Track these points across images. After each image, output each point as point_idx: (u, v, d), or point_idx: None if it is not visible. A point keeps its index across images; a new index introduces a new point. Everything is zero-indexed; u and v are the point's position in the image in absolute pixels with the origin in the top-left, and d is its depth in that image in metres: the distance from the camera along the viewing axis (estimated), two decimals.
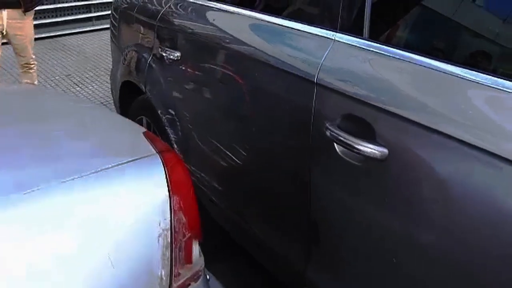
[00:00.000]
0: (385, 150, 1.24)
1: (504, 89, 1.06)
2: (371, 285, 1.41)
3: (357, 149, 1.29)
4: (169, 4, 2.31)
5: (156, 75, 2.39)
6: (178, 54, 2.15)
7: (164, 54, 2.22)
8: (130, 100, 2.77)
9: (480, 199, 1.09)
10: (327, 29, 1.48)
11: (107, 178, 1.10)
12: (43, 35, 6.81)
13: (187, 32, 2.13)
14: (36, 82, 4.43)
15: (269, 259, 1.91)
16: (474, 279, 1.13)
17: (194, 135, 2.19)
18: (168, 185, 1.14)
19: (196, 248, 1.21)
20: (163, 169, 1.16)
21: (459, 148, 1.10)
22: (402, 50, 1.28)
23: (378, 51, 1.33)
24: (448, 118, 1.13)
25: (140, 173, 1.16)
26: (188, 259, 1.18)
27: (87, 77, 5.30)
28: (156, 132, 2.50)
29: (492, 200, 1.07)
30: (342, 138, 1.33)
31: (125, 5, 2.81)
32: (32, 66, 4.31)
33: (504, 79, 1.07)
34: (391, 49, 1.31)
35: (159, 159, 1.19)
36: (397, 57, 1.28)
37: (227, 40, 1.89)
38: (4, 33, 4.02)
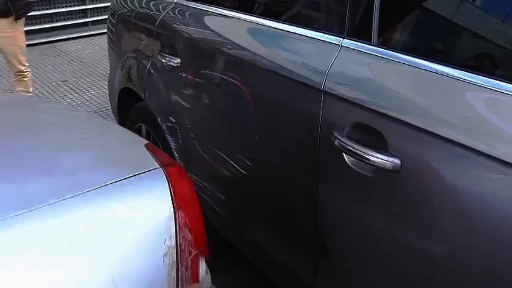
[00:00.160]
0: (398, 161, 1.19)
1: None
2: None
3: (368, 159, 1.24)
4: (168, 9, 2.26)
5: (156, 81, 2.34)
6: (178, 60, 2.10)
7: (163, 61, 2.18)
8: (128, 107, 2.72)
9: (498, 212, 1.04)
10: (333, 35, 1.44)
11: (109, 194, 1.06)
12: (39, 41, 6.76)
13: (188, 38, 2.08)
14: (31, 90, 4.37)
15: (276, 271, 1.86)
16: None
17: (195, 143, 2.14)
18: (172, 201, 1.09)
19: (202, 266, 1.16)
20: (167, 184, 1.12)
21: (475, 158, 1.06)
22: (413, 56, 1.23)
23: (387, 57, 1.29)
24: (464, 128, 1.09)
25: (143, 188, 1.11)
26: (195, 277, 1.13)
27: (84, 83, 5.24)
28: (156, 140, 2.45)
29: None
30: (351, 148, 1.29)
31: (123, 10, 2.77)
32: (26, 74, 4.24)
33: None
34: (401, 55, 1.26)
35: (163, 173, 1.14)
36: (408, 63, 1.23)
37: (230, 46, 1.84)
38: None
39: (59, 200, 1.00)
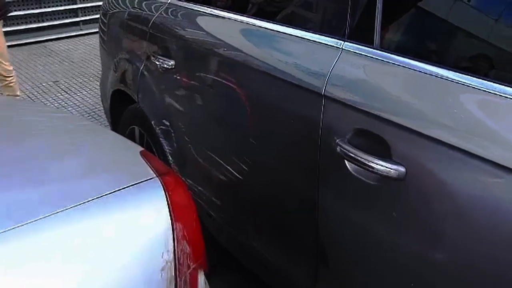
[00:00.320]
0: (402, 169, 1.15)
1: None
2: None
3: (371, 167, 1.20)
4: (161, 10, 2.22)
5: (149, 84, 2.29)
6: (172, 62, 2.05)
7: (157, 63, 2.13)
8: (121, 109, 2.67)
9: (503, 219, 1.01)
10: (334, 37, 1.39)
11: (103, 207, 1.01)
12: (29, 41, 6.68)
13: (182, 40, 2.03)
14: (18, 93, 4.29)
15: (272, 276, 1.82)
16: None
17: (190, 147, 2.09)
18: (170, 212, 1.05)
19: (201, 279, 1.12)
20: (164, 194, 1.07)
21: (484, 167, 1.02)
22: (417, 60, 1.19)
23: (390, 60, 1.25)
24: (473, 135, 1.05)
25: (138, 200, 1.06)
26: None
27: (75, 84, 5.18)
28: (149, 143, 2.40)
29: None
30: (353, 155, 1.25)
31: (115, 10, 2.71)
32: (10, 78, 4.12)
33: None
34: (404, 58, 1.22)
35: (159, 183, 1.09)
36: (411, 67, 1.19)
37: (226, 49, 1.79)
38: None
39: (51, 213, 0.95)
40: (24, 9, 6.70)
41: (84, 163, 1.20)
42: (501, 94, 1.02)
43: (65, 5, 7.19)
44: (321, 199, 1.41)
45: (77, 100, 4.74)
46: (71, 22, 7.21)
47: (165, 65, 2.08)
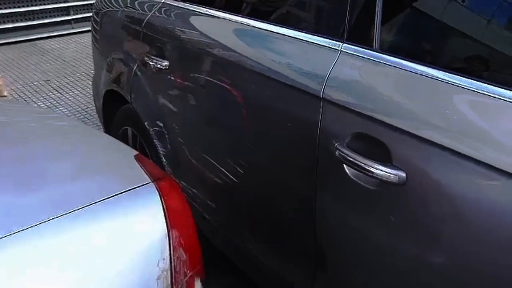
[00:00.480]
0: (403, 174, 1.13)
1: None
2: None
3: (371, 172, 1.18)
4: (155, 10, 2.18)
5: (143, 84, 2.26)
6: (166, 63, 2.02)
7: (151, 63, 2.09)
8: (114, 109, 2.64)
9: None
10: (332, 39, 1.37)
11: (96, 214, 0.98)
12: (19, 39, 6.61)
13: (177, 40, 2.00)
14: (5, 94, 4.22)
15: (268, 280, 1.80)
16: None
17: (184, 148, 2.06)
18: (166, 219, 1.02)
19: (198, 287, 1.09)
20: (159, 200, 1.04)
21: (485, 172, 1.00)
22: (417, 63, 1.17)
23: (390, 63, 1.22)
24: (473, 139, 1.03)
25: (134, 206, 1.03)
26: None
27: (67, 83, 5.12)
28: (142, 144, 2.37)
29: None
30: (352, 159, 1.22)
31: (108, 9, 2.68)
32: None
33: None
34: (405, 61, 1.19)
35: (155, 188, 1.06)
36: (412, 70, 1.17)
37: (221, 49, 1.76)
38: None
39: (44, 220, 0.92)
40: (14, 7, 6.63)
41: (77, 168, 1.17)
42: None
43: (56, 3, 7.12)
44: (319, 203, 1.39)
45: (69, 99, 4.70)
46: (62, 20, 7.15)
47: (159, 66, 2.04)
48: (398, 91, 1.21)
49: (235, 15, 1.78)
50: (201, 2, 1.97)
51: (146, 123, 2.25)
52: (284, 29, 1.53)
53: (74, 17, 7.22)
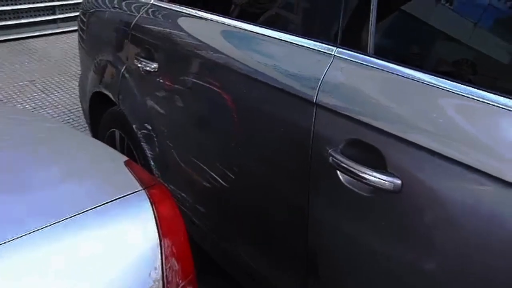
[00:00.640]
0: (398, 181, 1.11)
1: None
2: None
3: (365, 178, 1.16)
4: (143, 11, 2.15)
5: (131, 86, 2.22)
6: (155, 65, 1.99)
7: (139, 65, 2.06)
8: (101, 111, 2.60)
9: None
10: (326, 43, 1.35)
11: (86, 223, 0.95)
12: (4, 38, 6.51)
13: (166, 42, 1.97)
14: None
15: (258, 286, 1.78)
16: None
17: (173, 152, 2.04)
18: (157, 227, 0.99)
19: None
20: (150, 208, 1.02)
21: (478, 178, 0.99)
22: (412, 69, 1.16)
23: (385, 68, 1.21)
24: (471, 147, 1.02)
25: (124, 215, 1.01)
26: None
27: (52, 83, 5.06)
28: (130, 147, 2.34)
29: None
30: (346, 166, 1.21)
31: (95, 10, 2.64)
32: None
33: None
34: (400, 67, 1.18)
35: (146, 196, 1.04)
36: (407, 76, 1.16)
37: (212, 52, 1.74)
38: None
39: (32, 230, 0.89)
40: None
41: (64, 176, 1.13)
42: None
43: (41, 2, 7.03)
44: (312, 209, 1.37)
45: (54, 100, 4.63)
46: (48, 19, 7.05)
47: (148, 68, 2.01)
48: (392, 96, 1.20)
49: (227, 18, 1.75)
50: (191, 4, 1.94)
51: (134, 126, 2.22)
52: (277, 32, 1.51)
53: (59, 16, 7.13)
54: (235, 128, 1.67)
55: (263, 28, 1.57)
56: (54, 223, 0.91)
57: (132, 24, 2.16)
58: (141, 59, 2.05)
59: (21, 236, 0.87)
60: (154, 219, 1.00)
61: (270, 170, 1.54)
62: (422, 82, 1.12)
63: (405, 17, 1.29)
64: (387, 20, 1.27)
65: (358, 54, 1.27)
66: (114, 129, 2.50)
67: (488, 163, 0.99)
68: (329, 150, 1.25)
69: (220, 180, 1.76)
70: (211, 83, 1.77)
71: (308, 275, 1.47)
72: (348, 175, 1.22)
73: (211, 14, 1.82)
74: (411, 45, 1.27)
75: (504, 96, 1.00)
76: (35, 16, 6.94)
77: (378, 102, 1.21)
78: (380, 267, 1.24)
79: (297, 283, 1.53)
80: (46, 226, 0.90)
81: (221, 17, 1.77)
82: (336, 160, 1.23)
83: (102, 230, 0.96)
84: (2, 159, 1.15)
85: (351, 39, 1.31)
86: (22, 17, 6.81)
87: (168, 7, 2.04)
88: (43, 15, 7.01)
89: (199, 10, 1.88)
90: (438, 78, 1.11)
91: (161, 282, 0.96)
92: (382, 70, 1.21)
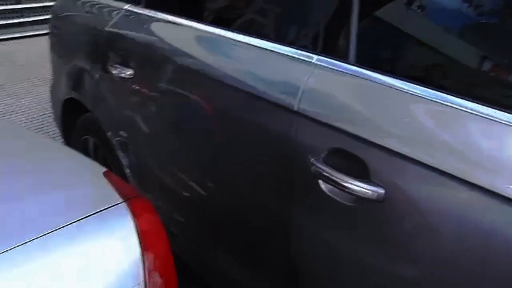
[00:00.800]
0: (381, 190, 1.11)
1: None
2: None
3: (348, 188, 1.16)
4: (118, 16, 2.12)
5: (105, 93, 2.18)
6: (130, 72, 1.95)
7: (114, 71, 2.02)
8: (74, 118, 2.54)
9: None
10: (306, 51, 1.34)
11: (64, 239, 0.92)
12: None
13: (141, 48, 1.94)
14: None
15: None
16: None
17: (150, 160, 2.00)
18: (139, 241, 0.96)
19: None
20: (132, 221, 0.99)
21: (457, 186, 0.99)
22: (394, 77, 1.15)
23: (366, 77, 1.21)
24: (456, 155, 1.02)
25: (105, 229, 0.98)
26: None
27: (21, 88, 4.95)
28: (104, 154, 2.30)
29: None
30: (329, 175, 1.20)
31: (68, 14, 2.58)
32: None
33: None
34: (381, 75, 1.18)
35: (126, 208, 1.01)
36: (390, 85, 1.16)
37: (190, 60, 1.71)
38: None
39: (6, 249, 0.85)
40: None
41: (40, 188, 1.09)
42: None
43: (8, 4, 6.88)
44: (294, 219, 1.36)
45: (24, 105, 4.53)
46: (16, 22, 6.91)
47: (123, 74, 1.98)
48: (373, 105, 1.19)
49: (205, 24, 1.73)
50: (167, 10, 1.91)
51: (108, 133, 2.18)
52: (257, 39, 1.50)
53: (28, 19, 6.99)
54: (214, 136, 1.65)
55: (243, 35, 1.55)
56: (30, 240, 0.88)
57: (106, 29, 2.12)
58: (116, 66, 2.01)
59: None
60: (135, 233, 0.97)
61: (251, 178, 1.52)
62: (403, 91, 1.12)
63: (386, 25, 1.29)
64: (368, 28, 1.27)
65: (339, 62, 1.27)
66: (88, 136, 2.45)
67: (461, 168, 0.99)
68: (311, 159, 1.24)
69: (200, 189, 1.74)
70: (188, 90, 1.74)
71: (289, 285, 1.46)
72: (330, 185, 1.21)
73: (189, 20, 1.80)
74: (393, 53, 1.27)
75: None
76: (3, 19, 6.79)
77: (359, 110, 1.21)
78: (362, 276, 1.23)
79: None
80: (22, 244, 0.87)
81: (199, 24, 1.75)
82: (318, 169, 1.22)
83: (81, 246, 0.93)
84: None
85: (332, 47, 1.31)
86: None
87: (143, 12, 2.01)
88: (12, 17, 6.87)
89: (176, 16, 1.85)
90: (420, 86, 1.11)
91: None
92: (363, 78, 1.21)
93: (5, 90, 4.89)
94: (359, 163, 1.15)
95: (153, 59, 1.89)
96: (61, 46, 2.70)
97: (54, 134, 3.76)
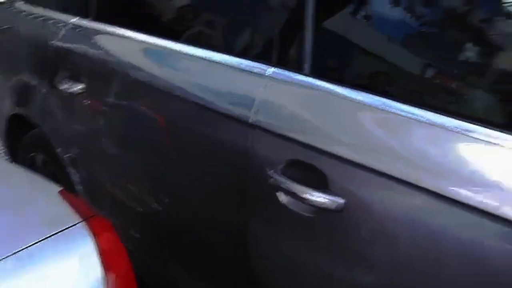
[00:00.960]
0: (341, 200, 1.13)
1: None
2: None
3: (307, 199, 1.17)
4: (66, 29, 2.07)
5: (54, 109, 2.13)
6: (80, 86, 1.91)
7: (63, 87, 1.97)
8: (20, 135, 2.46)
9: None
10: (261, 63, 1.35)
11: (23, 262, 0.88)
12: None
13: (91, 62, 1.90)
14: None
15: None
16: None
17: (102, 175, 1.97)
18: (100, 262, 0.94)
19: None
20: (92, 241, 0.97)
21: (416, 193, 1.03)
22: (348, 88, 1.18)
23: (320, 88, 1.23)
24: (407, 162, 1.05)
25: (64, 250, 0.95)
26: None
27: None
28: (54, 171, 2.24)
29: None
30: (287, 187, 1.21)
31: (10, 26, 2.50)
32: None
33: None
34: (336, 87, 1.20)
35: (86, 228, 0.99)
36: (343, 96, 1.18)
37: (141, 73, 1.69)
38: None
39: None
40: None
41: None
42: None
43: None
44: (252, 232, 1.36)
45: None
46: None
47: (73, 89, 1.93)
48: (328, 116, 1.21)
49: (154, 37, 1.71)
50: (118, 23, 1.88)
51: (58, 150, 2.13)
52: (211, 52, 1.49)
53: None
54: (166, 149, 1.63)
55: (197, 48, 1.54)
56: None
57: (54, 43, 2.07)
58: (65, 80, 1.97)
59: None
60: (96, 253, 0.95)
61: (205, 191, 1.52)
62: (358, 101, 1.15)
63: (340, 37, 1.31)
64: (323, 39, 1.29)
65: (293, 74, 1.29)
66: (35, 153, 2.38)
67: (408, 173, 1.03)
68: (269, 171, 1.25)
69: (154, 203, 1.72)
70: (139, 103, 1.73)
71: None
72: (289, 196, 1.22)
73: (139, 33, 1.78)
74: (347, 64, 1.30)
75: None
76: None
77: (312, 120, 1.23)
78: (322, 287, 1.24)
79: None
80: None
81: (149, 36, 1.73)
82: (276, 181, 1.23)
83: (40, 269, 0.90)
84: None
85: (286, 59, 1.33)
86: None
87: (92, 26, 1.97)
88: None
89: (126, 29, 1.83)
90: (373, 96, 1.14)
91: None
92: (318, 89, 1.23)
93: None
94: (317, 173, 1.17)
95: (103, 73, 1.86)
96: (3, 61, 2.61)
97: None
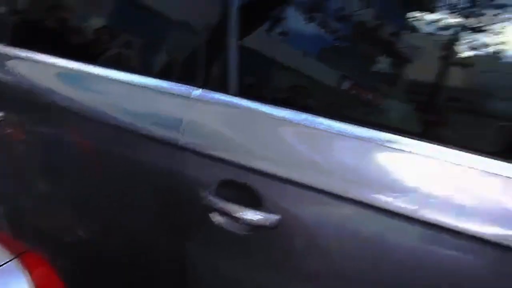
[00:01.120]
0: (275, 217, 1.16)
1: None
2: None
3: (241, 218, 1.19)
4: None
5: None
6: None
7: None
8: None
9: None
10: (187, 85, 1.36)
11: None
12: None
13: (9, 89, 1.84)
14: None
15: None
16: None
17: (26, 207, 1.89)
18: None
19: None
20: (26, 277, 0.94)
21: (349, 205, 1.08)
22: (275, 107, 1.22)
23: (247, 108, 1.26)
24: (331, 175, 1.10)
25: None
26: None
27: None
28: None
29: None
30: (221, 207, 1.22)
31: None
32: None
33: None
34: (263, 106, 1.24)
35: (19, 265, 0.96)
36: (270, 115, 1.22)
37: (60, 98, 1.64)
38: None
39: None
40: None
41: None
42: None
43: None
44: (189, 255, 1.36)
45: None
46: None
47: None
48: (256, 134, 1.24)
49: (73, 61, 1.68)
50: (35, 48, 1.83)
51: None
52: (136, 76, 1.49)
53: None
54: (95, 177, 1.60)
55: (119, 72, 1.53)
56: None
57: None
58: None
59: None
60: None
61: (139, 219, 1.49)
62: (284, 119, 1.20)
63: (260, 55, 1.36)
64: (245, 58, 1.32)
65: (219, 95, 1.31)
66: None
67: (332, 184, 1.09)
68: (202, 193, 1.26)
69: (87, 234, 1.68)
70: (63, 130, 1.69)
71: None
72: (224, 217, 1.23)
73: (57, 57, 1.74)
74: (269, 81, 1.35)
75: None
76: None
77: (244, 141, 1.26)
78: None
79: None
80: None
81: (68, 61, 1.69)
82: (210, 202, 1.24)
83: None
84: None
85: (212, 80, 1.35)
86: None
87: (7, 51, 1.91)
88: None
89: (44, 54, 1.78)
90: (294, 112, 1.19)
91: None
92: (245, 109, 1.26)
93: None
94: (250, 191, 1.20)
95: (22, 100, 1.80)
96: None
97: None
